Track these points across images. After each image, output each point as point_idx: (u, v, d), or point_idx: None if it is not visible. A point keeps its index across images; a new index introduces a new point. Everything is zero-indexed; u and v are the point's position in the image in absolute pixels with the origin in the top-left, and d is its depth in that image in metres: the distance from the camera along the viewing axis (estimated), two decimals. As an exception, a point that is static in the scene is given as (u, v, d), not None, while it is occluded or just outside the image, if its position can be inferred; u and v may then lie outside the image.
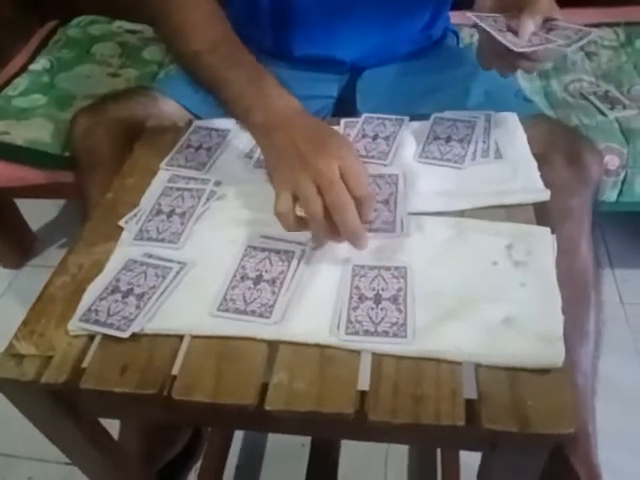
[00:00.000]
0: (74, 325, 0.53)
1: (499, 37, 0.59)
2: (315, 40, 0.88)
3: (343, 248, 0.57)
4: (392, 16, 0.87)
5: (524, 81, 1.27)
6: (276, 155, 0.57)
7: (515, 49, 0.58)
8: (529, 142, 0.68)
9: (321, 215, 0.52)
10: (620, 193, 1.13)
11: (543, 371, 0.46)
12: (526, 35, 0.59)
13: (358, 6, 0.84)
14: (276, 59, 0.91)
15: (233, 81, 0.61)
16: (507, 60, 0.62)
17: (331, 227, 0.53)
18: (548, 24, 0.62)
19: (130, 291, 0.55)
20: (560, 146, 0.75)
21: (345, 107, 0.91)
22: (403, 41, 0.91)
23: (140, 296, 0.54)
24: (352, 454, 0.99)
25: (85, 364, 0.51)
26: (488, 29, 0.60)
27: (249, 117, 0.60)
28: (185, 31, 0.67)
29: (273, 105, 0.59)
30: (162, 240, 0.60)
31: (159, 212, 0.63)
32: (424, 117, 0.73)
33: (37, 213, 1.59)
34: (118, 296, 0.55)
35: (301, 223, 0.54)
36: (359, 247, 0.54)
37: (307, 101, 0.90)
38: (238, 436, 1.10)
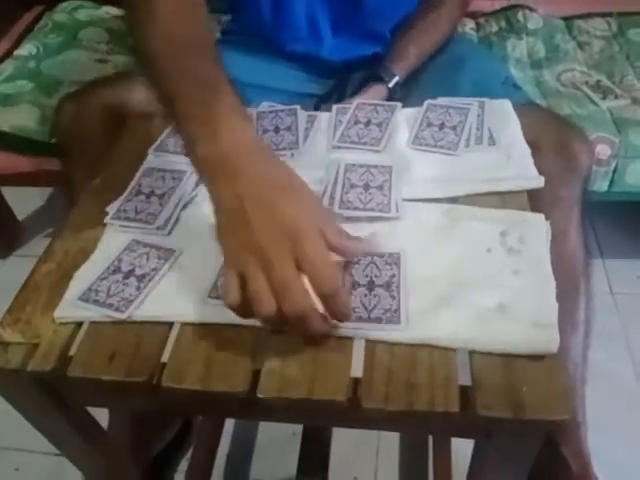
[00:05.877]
0: (62, 311, 0.52)
1: None
2: (301, 37, 0.87)
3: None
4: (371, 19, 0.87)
5: (516, 70, 1.26)
6: (220, 211, 0.47)
7: None
8: None
9: (275, 317, 0.43)
10: (611, 183, 1.13)
11: (537, 357, 0.46)
12: None
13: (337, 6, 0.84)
14: (273, 54, 0.90)
15: (185, 97, 0.50)
16: None
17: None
18: None
19: (131, 272, 0.54)
20: (549, 135, 0.74)
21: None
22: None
23: (140, 278, 0.54)
24: (344, 442, 0.99)
25: (72, 352, 0.50)
26: None
27: (194, 148, 0.49)
28: (147, 25, 0.54)
29: (222, 136, 0.48)
30: (139, 220, 0.60)
31: (138, 192, 0.63)
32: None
33: (23, 202, 1.56)
34: (119, 277, 0.54)
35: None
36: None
37: (299, 98, 0.89)
38: (229, 425, 1.09)
